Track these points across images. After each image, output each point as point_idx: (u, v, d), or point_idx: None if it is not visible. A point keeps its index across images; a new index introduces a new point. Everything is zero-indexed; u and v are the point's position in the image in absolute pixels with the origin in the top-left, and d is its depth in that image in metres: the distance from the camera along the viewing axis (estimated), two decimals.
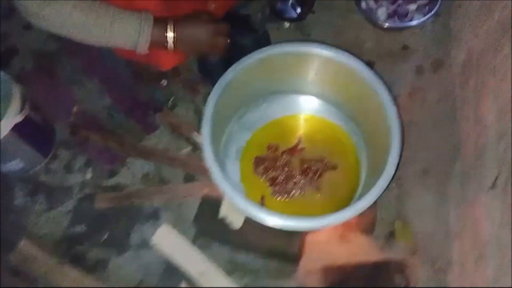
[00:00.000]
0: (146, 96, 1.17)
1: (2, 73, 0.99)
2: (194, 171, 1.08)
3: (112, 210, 1.06)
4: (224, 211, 0.91)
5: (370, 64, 1.17)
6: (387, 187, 0.78)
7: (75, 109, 1.17)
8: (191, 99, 1.16)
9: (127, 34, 0.86)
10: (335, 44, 1.20)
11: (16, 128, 0.96)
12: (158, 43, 0.88)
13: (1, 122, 0.92)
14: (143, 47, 0.88)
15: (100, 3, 0.85)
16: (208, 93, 1.13)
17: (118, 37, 0.86)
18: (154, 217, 1.05)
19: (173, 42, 0.88)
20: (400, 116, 0.85)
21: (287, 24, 1.25)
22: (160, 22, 0.88)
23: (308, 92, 1.01)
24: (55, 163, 1.12)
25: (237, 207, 0.77)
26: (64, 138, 1.14)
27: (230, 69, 0.89)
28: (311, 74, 0.96)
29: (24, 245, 1.03)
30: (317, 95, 1.02)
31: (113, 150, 1.12)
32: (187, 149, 1.11)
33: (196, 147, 1.10)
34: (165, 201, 1.05)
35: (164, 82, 1.18)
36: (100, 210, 1.06)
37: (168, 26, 0.88)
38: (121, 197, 1.06)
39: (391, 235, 0.97)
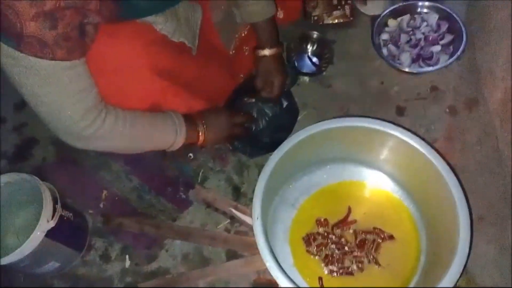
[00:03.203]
0: (174, 172, 1.14)
1: (34, 178, 0.96)
2: (236, 247, 1.03)
3: None
4: None
5: (401, 111, 1.14)
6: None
7: (103, 194, 1.14)
8: (221, 170, 1.13)
9: (164, 140, 0.91)
10: (360, 93, 1.19)
11: (49, 232, 0.93)
12: (190, 141, 0.95)
13: (32, 234, 0.89)
14: (175, 148, 0.94)
15: (137, 112, 0.87)
16: (238, 162, 1.13)
17: (157, 143, 0.92)
18: None
19: (203, 140, 0.96)
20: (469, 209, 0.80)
21: (307, 79, 1.22)
22: (191, 125, 0.94)
23: (348, 159, 0.97)
24: (91, 254, 1.08)
25: None
26: (96, 226, 1.11)
27: (279, 149, 0.88)
28: (355, 143, 0.94)
29: None
30: (359, 162, 0.97)
31: (149, 234, 1.08)
32: (224, 224, 1.07)
33: (234, 221, 1.06)
34: (210, 282, 1.01)
35: (190, 156, 1.15)
36: None
37: (200, 127, 0.95)
38: (164, 285, 1.01)
39: None
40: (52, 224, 0.92)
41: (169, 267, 1.04)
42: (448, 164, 0.82)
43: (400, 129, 0.85)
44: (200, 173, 1.13)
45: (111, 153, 1.17)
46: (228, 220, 1.07)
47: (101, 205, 1.13)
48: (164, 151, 0.96)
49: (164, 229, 1.08)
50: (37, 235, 0.91)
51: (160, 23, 0.86)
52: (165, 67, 0.89)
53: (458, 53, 1.11)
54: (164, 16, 0.86)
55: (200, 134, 0.95)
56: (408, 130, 0.86)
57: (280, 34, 1.22)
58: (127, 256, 1.07)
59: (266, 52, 1.00)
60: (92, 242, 1.09)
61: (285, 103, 1.12)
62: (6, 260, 0.89)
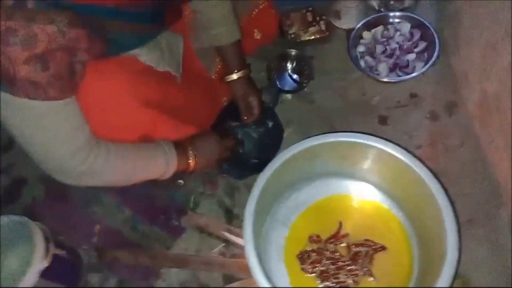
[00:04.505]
0: (166, 200, 1.14)
1: (24, 219, 0.96)
2: (232, 270, 1.03)
3: None
4: None
5: (383, 119, 1.15)
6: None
7: (96, 229, 1.14)
8: (212, 194, 1.14)
9: (156, 169, 0.92)
10: (342, 105, 1.21)
11: (44, 272, 0.92)
12: (181, 169, 0.96)
13: (26, 276, 0.88)
14: (167, 176, 0.94)
15: (128, 145, 0.88)
16: (228, 184, 1.14)
17: (149, 173, 0.92)
18: None
19: (194, 165, 0.97)
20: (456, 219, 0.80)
21: (289, 96, 1.24)
22: (182, 152, 0.95)
23: (334, 173, 0.99)
24: None
25: None
26: (91, 262, 1.10)
27: (267, 168, 0.89)
28: (339, 157, 0.95)
29: None
30: (345, 175, 0.99)
31: (145, 264, 1.07)
32: (219, 248, 1.07)
33: (229, 244, 1.06)
34: None
35: (180, 182, 1.15)
36: None
37: (190, 154, 0.95)
38: None
39: None
40: (45, 264, 0.92)
41: None
42: (431, 170, 0.84)
43: (381, 140, 0.87)
44: (192, 199, 1.14)
45: (101, 186, 1.18)
46: (223, 244, 1.07)
47: (95, 240, 1.12)
48: (155, 180, 0.97)
49: (159, 258, 1.08)
50: (31, 277, 0.90)
51: (144, 54, 0.87)
52: (152, 97, 0.90)
53: (433, 59, 1.13)
54: (148, 47, 0.88)
55: (190, 160, 0.96)
56: (388, 140, 0.87)
57: (259, 54, 1.25)
58: None
59: (234, 76, 1.03)
60: (88, 278, 1.08)
61: (270, 124, 1.14)
62: None
